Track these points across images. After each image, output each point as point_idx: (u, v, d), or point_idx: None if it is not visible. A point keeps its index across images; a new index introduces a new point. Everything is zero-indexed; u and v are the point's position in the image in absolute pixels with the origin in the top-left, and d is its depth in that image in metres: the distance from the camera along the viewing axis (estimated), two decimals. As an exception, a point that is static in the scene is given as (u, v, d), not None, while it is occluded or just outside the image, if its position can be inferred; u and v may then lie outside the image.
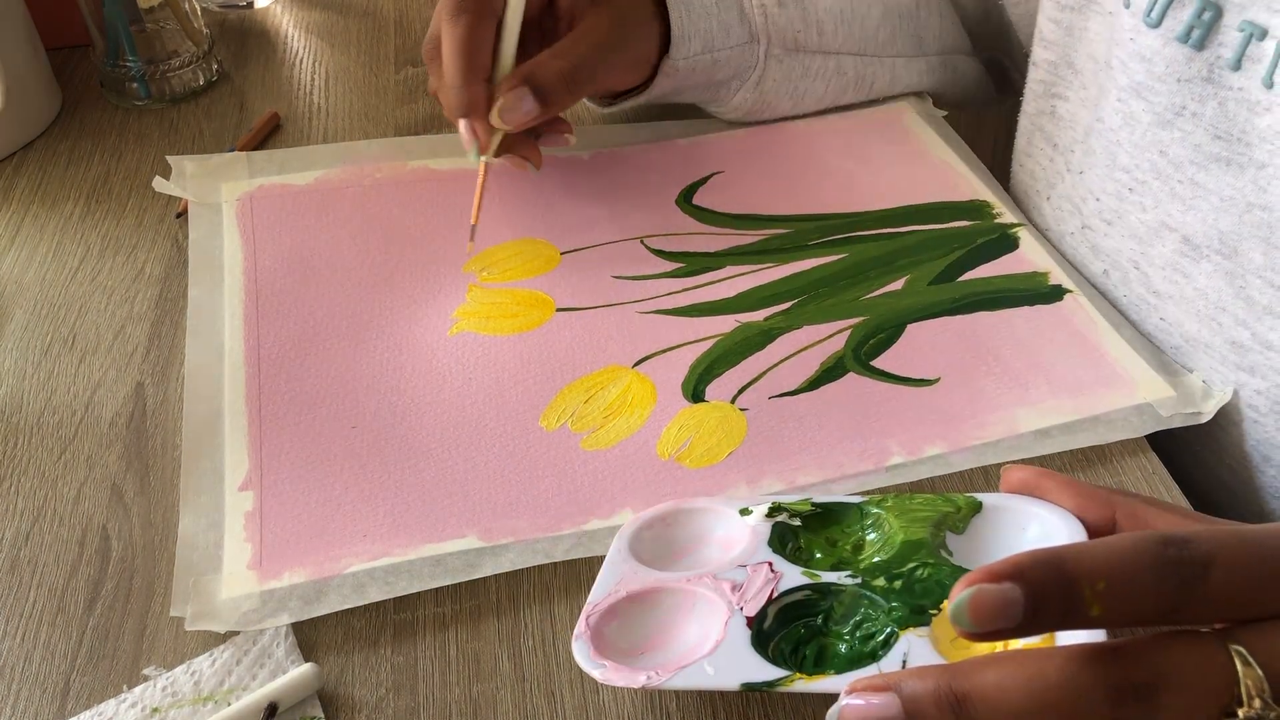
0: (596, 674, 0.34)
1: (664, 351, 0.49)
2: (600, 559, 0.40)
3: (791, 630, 0.34)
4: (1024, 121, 0.60)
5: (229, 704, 0.36)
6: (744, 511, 0.39)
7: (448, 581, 0.40)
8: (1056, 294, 0.52)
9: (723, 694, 0.37)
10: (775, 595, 0.35)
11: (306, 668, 0.37)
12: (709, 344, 0.50)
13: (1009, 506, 0.36)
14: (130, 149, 0.64)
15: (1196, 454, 0.50)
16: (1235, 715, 0.25)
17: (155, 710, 0.36)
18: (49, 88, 0.66)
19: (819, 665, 0.33)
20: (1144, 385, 0.48)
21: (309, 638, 0.39)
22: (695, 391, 0.47)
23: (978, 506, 0.36)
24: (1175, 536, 0.26)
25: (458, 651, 0.39)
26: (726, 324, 0.51)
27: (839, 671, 0.32)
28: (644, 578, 0.37)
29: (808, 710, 0.37)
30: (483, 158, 0.53)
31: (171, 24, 0.67)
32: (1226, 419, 0.48)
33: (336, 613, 0.39)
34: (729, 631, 0.34)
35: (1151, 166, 0.49)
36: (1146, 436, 0.46)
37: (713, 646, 0.34)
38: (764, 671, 0.32)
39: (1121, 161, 0.50)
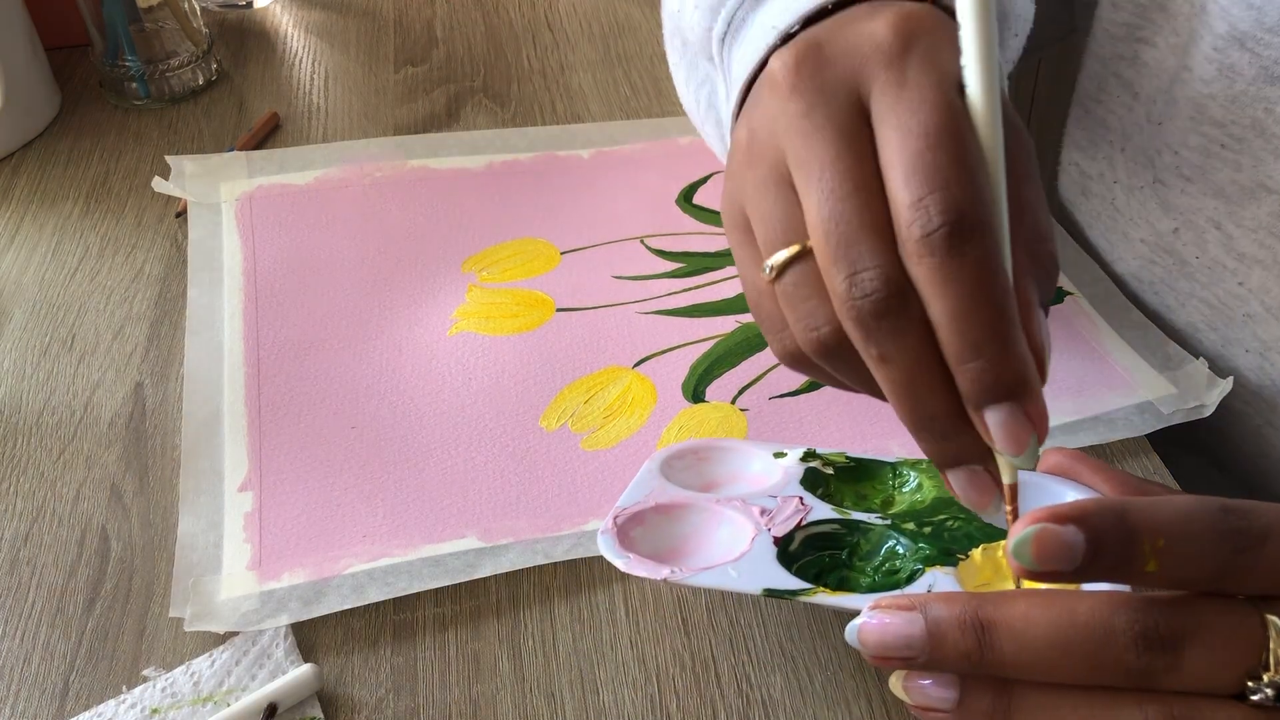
0: (620, 563, 0.34)
1: (664, 352, 0.49)
2: (600, 559, 0.40)
3: (816, 558, 0.34)
4: (1094, 65, 0.55)
5: (228, 705, 0.36)
6: (778, 454, 0.39)
7: (447, 582, 0.40)
8: (1056, 297, 0.52)
9: (723, 694, 0.37)
10: (804, 523, 0.35)
11: (306, 668, 0.37)
12: (709, 344, 0.50)
13: (1042, 484, 0.35)
14: (130, 149, 0.64)
15: (1257, 429, 0.48)
16: (1259, 679, 0.25)
17: (155, 711, 0.36)
18: (49, 88, 0.66)
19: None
20: (1145, 384, 0.47)
21: (308, 638, 0.39)
22: (696, 392, 0.47)
23: None
24: (1237, 506, 0.26)
25: (458, 652, 0.39)
26: (727, 324, 0.51)
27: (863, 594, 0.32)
28: (673, 494, 0.37)
29: (808, 711, 0.37)
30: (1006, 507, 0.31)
31: (171, 24, 0.67)
32: None
33: (336, 613, 0.39)
34: (755, 546, 0.34)
35: (1253, 123, 0.44)
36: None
37: (738, 556, 0.34)
38: (788, 581, 0.32)
39: (1214, 115, 0.46)
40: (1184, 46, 0.47)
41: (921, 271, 0.28)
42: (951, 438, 0.29)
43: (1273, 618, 0.26)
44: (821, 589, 0.32)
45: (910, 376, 0.29)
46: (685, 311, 0.51)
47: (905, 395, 0.29)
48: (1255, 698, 0.25)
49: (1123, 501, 0.26)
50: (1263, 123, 0.44)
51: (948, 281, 0.28)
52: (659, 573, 0.33)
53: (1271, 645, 0.26)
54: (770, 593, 0.32)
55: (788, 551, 0.34)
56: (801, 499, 0.36)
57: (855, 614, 0.28)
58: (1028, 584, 0.31)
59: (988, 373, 0.28)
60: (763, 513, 0.35)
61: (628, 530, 0.36)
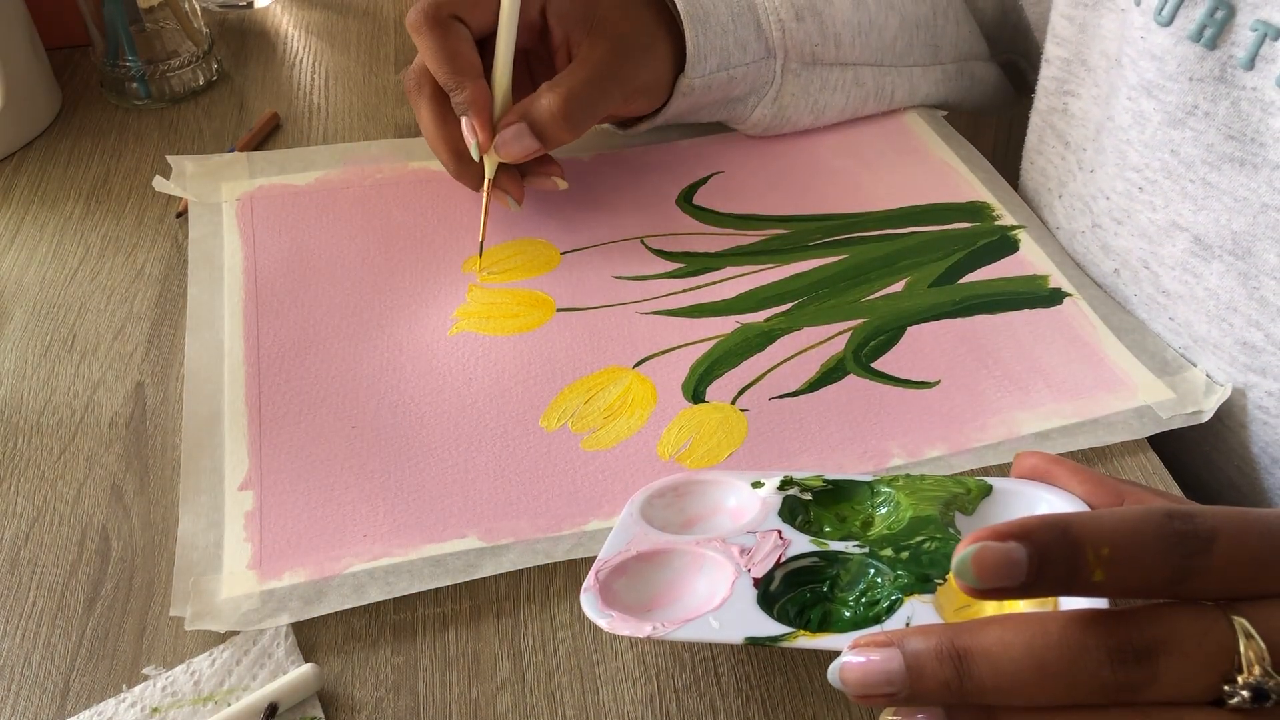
0: (603, 623, 0.34)
1: (664, 352, 0.49)
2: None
3: (797, 594, 0.34)
4: (1035, 119, 0.60)
5: (229, 704, 0.36)
6: (756, 484, 0.39)
7: (448, 582, 0.40)
8: (1056, 297, 0.52)
9: (723, 694, 0.37)
10: (783, 560, 0.35)
11: (306, 668, 0.37)
12: (709, 345, 0.50)
13: (1018, 491, 0.36)
14: (130, 149, 0.64)
15: (1205, 455, 0.50)
16: (1234, 682, 0.26)
17: (155, 710, 0.36)
18: (49, 88, 0.66)
19: (823, 628, 0.33)
20: (1144, 388, 0.48)
21: (309, 638, 0.39)
22: (696, 392, 0.47)
23: (987, 490, 0.36)
24: (1181, 510, 0.27)
25: (458, 651, 0.39)
26: (727, 325, 0.51)
27: (842, 633, 0.32)
28: (654, 539, 0.37)
29: (808, 711, 0.37)
30: (486, 177, 0.53)
31: (171, 24, 0.67)
32: (1235, 420, 0.48)
33: (336, 613, 0.39)
34: (735, 590, 0.34)
35: (1162, 166, 0.48)
36: (1151, 438, 0.46)
37: (719, 604, 0.34)
38: (768, 627, 0.32)
39: (1132, 160, 0.50)
40: (1105, 97, 0.52)
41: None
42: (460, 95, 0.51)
43: (1239, 619, 0.26)
44: (802, 632, 0.32)
45: (433, 59, 0.50)
46: (685, 311, 0.51)
47: (435, 68, 0.51)
48: (1233, 701, 0.26)
49: (1065, 515, 0.27)
50: (1169, 164, 0.48)
51: (419, 45, 0.51)
52: (642, 630, 0.33)
53: (1241, 647, 0.26)
54: (752, 641, 0.32)
55: (768, 592, 0.34)
56: (780, 533, 0.36)
57: (836, 654, 0.29)
58: (1009, 606, 0.31)
59: (454, 95, 0.51)
60: (742, 552, 0.36)
61: (610, 583, 0.36)
